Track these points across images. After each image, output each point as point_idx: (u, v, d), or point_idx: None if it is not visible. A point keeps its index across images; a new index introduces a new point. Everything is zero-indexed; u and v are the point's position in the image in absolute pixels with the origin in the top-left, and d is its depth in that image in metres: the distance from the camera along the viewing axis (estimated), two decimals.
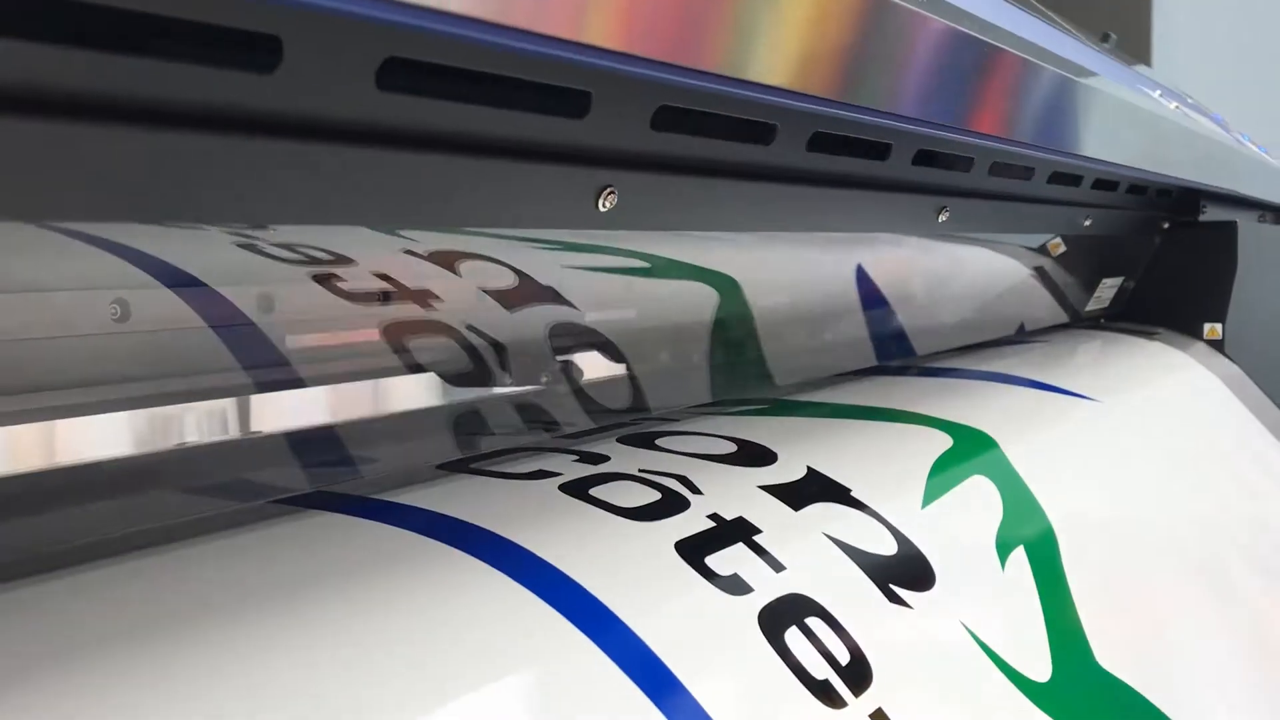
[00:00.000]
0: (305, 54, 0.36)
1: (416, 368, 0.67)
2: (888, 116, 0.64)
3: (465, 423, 0.73)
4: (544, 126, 0.48)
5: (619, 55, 0.43)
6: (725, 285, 0.97)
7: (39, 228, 0.49)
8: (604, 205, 0.54)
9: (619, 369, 0.84)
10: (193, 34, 0.33)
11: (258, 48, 0.35)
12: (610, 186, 0.54)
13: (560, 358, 0.79)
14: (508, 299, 0.75)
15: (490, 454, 0.62)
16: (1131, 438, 1.02)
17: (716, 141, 0.59)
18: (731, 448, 0.65)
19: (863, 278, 1.17)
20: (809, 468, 0.64)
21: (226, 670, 0.37)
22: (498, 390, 0.74)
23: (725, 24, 0.47)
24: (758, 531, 0.55)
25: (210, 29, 0.33)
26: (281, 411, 0.60)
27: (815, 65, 0.55)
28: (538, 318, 0.77)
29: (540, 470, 0.58)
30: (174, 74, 0.34)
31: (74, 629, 0.39)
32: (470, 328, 0.71)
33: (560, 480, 0.56)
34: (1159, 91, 1.34)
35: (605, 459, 0.60)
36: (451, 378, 0.70)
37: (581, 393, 0.80)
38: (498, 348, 0.73)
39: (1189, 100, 1.55)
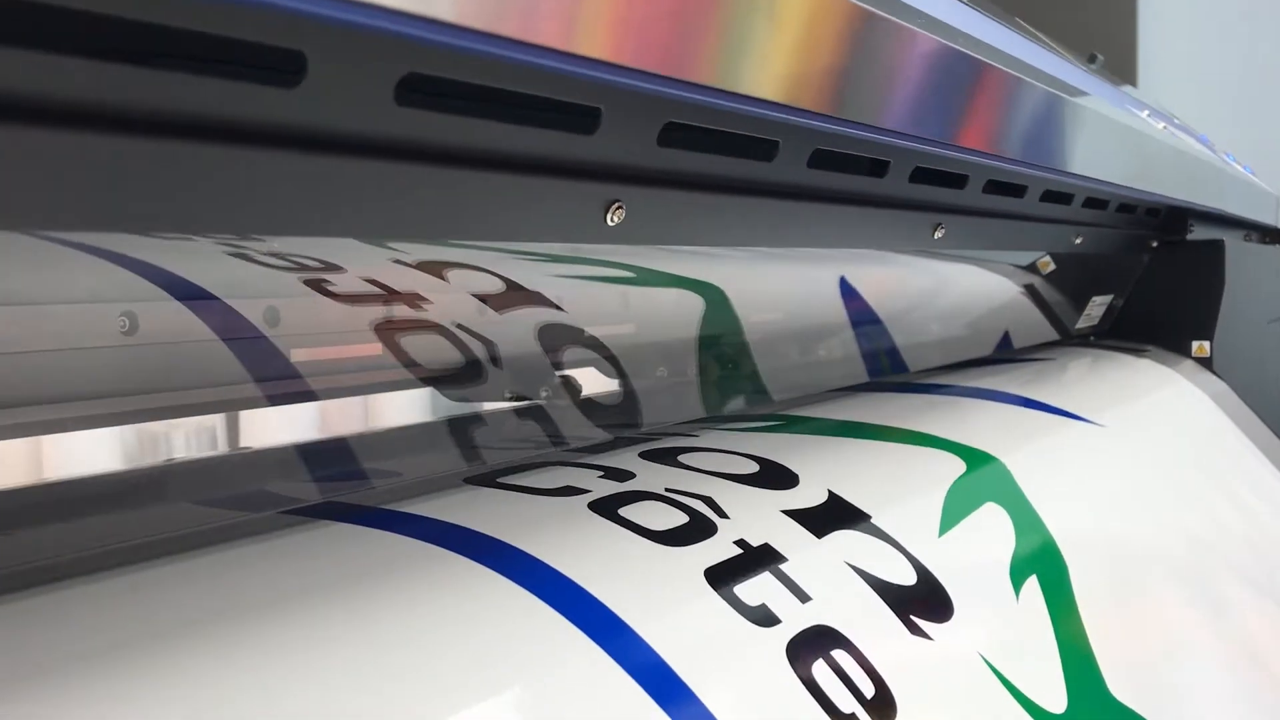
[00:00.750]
0: (328, 69, 0.37)
1: (420, 377, 0.68)
2: (886, 133, 0.65)
3: (465, 433, 0.73)
4: (555, 142, 0.49)
5: (628, 71, 0.44)
6: (712, 295, 0.97)
7: (49, 241, 0.50)
8: (612, 220, 0.55)
9: (611, 380, 0.85)
10: (220, 49, 0.34)
11: (282, 63, 0.36)
12: (619, 201, 0.55)
13: (553, 365, 0.79)
14: (498, 305, 0.75)
15: (514, 467, 0.62)
16: (1132, 461, 1.02)
17: (721, 158, 0.60)
18: (754, 467, 0.66)
19: (848, 291, 1.17)
20: (830, 492, 0.64)
21: (240, 678, 0.37)
22: (494, 403, 0.75)
23: (730, 42, 0.48)
24: (784, 560, 0.56)
25: (237, 44, 0.34)
26: (291, 423, 0.60)
27: (816, 82, 0.56)
28: (527, 324, 0.77)
29: (568, 486, 0.58)
30: (201, 88, 0.34)
31: (84, 638, 0.39)
32: (463, 329, 0.71)
33: (589, 498, 0.56)
34: (1147, 111, 1.36)
35: (631, 475, 0.61)
36: (451, 387, 0.71)
37: (577, 402, 0.81)
38: (493, 355, 0.73)
39: (1176, 120, 1.57)
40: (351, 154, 0.41)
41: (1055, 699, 0.65)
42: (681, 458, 0.65)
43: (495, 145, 0.46)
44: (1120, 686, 0.71)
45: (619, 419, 0.85)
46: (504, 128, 0.45)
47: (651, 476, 0.61)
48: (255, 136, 0.37)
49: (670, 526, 0.55)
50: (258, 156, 0.38)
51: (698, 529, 0.55)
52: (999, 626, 0.66)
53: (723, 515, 0.57)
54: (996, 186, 0.94)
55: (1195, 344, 1.47)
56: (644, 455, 0.65)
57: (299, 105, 0.37)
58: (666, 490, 0.59)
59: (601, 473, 0.61)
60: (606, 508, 0.55)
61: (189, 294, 0.58)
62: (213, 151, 0.36)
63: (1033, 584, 0.70)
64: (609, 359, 0.85)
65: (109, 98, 0.33)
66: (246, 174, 0.38)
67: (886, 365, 1.22)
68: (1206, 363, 1.45)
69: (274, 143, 0.38)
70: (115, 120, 0.33)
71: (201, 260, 0.59)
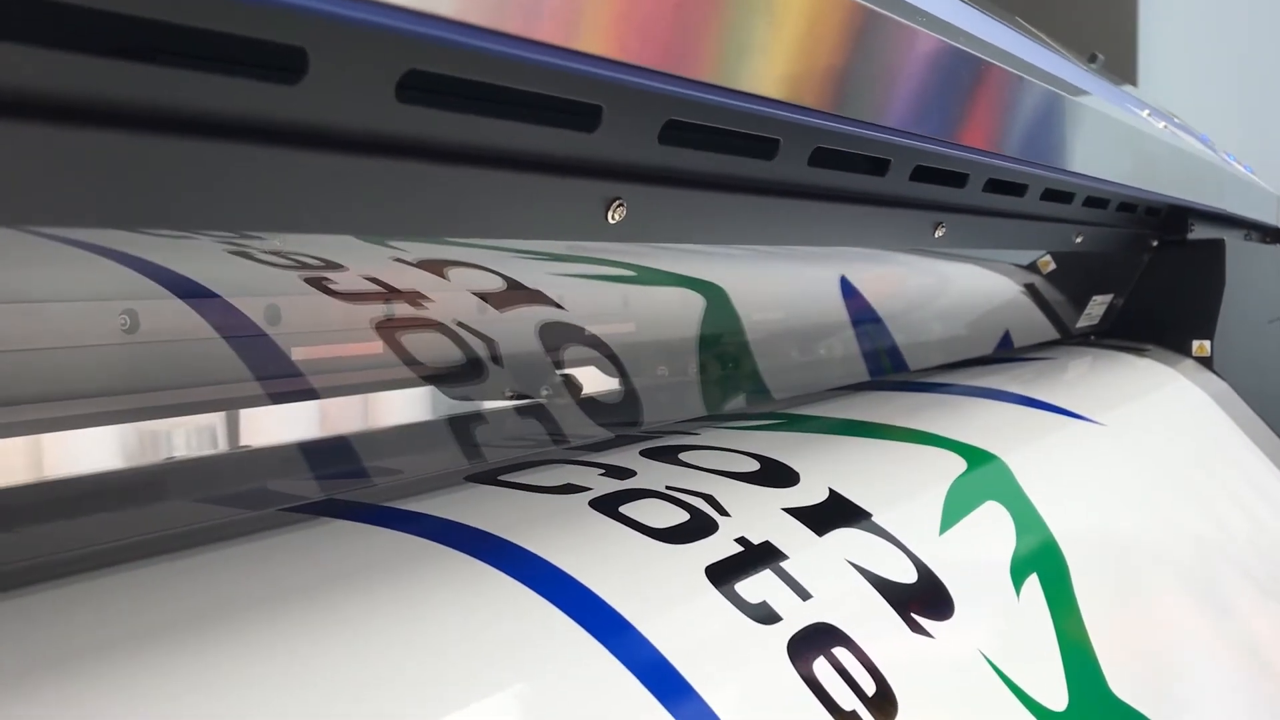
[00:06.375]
0: (329, 66, 0.36)
1: (421, 375, 0.68)
2: (887, 131, 0.65)
3: (466, 431, 0.73)
4: (556, 139, 0.49)
5: (630, 68, 0.44)
6: (712, 293, 0.97)
7: (49, 239, 0.50)
8: (614, 217, 0.55)
9: (612, 379, 0.85)
10: (221, 45, 0.34)
11: (283, 59, 0.36)
12: (619, 199, 0.55)
13: (554, 364, 0.79)
14: (498, 303, 0.75)
15: (516, 465, 0.62)
16: (1133, 460, 1.02)
17: (721, 156, 0.60)
18: (754, 465, 0.66)
19: (849, 290, 1.17)
20: (830, 490, 0.64)
21: (240, 675, 0.37)
22: (495, 402, 0.75)
23: (731, 39, 0.48)
24: (784, 558, 0.56)
25: (238, 41, 0.34)
26: (293, 421, 0.60)
27: (817, 80, 0.56)
28: (527, 322, 0.77)
29: (569, 484, 0.58)
30: (202, 84, 0.34)
31: (87, 635, 0.39)
32: (463, 325, 0.71)
33: (590, 495, 0.56)
34: (1148, 111, 1.35)
35: (632, 474, 0.60)
36: (451, 385, 0.70)
37: (578, 400, 0.81)
38: (493, 353, 0.73)
39: (1176, 120, 1.57)
40: (352, 151, 0.41)
41: (1056, 697, 0.64)
42: (683, 456, 0.65)
43: (496, 142, 0.46)
44: (1121, 685, 0.71)
45: (620, 418, 0.85)
46: (505, 125, 0.45)
47: (653, 474, 0.61)
48: (256, 133, 0.37)
49: (671, 524, 0.55)
50: (258, 154, 0.38)
51: (698, 527, 0.55)
52: (1000, 625, 0.66)
53: (723, 513, 0.57)
54: (997, 185, 0.94)
55: (1196, 343, 1.47)
56: (645, 453, 0.65)
57: (300, 102, 0.37)
58: (667, 488, 0.59)
59: (602, 470, 0.60)
60: (608, 505, 0.55)
61: (190, 292, 0.58)
62: (213, 148, 0.36)
63: (1033, 582, 0.70)
64: (610, 358, 0.85)
65: (109, 94, 0.33)
66: (247, 171, 0.38)
67: (888, 365, 1.22)
68: (1207, 362, 1.45)
69: (275, 140, 0.38)
70: (114, 116, 0.33)
71: (203, 258, 0.59)
